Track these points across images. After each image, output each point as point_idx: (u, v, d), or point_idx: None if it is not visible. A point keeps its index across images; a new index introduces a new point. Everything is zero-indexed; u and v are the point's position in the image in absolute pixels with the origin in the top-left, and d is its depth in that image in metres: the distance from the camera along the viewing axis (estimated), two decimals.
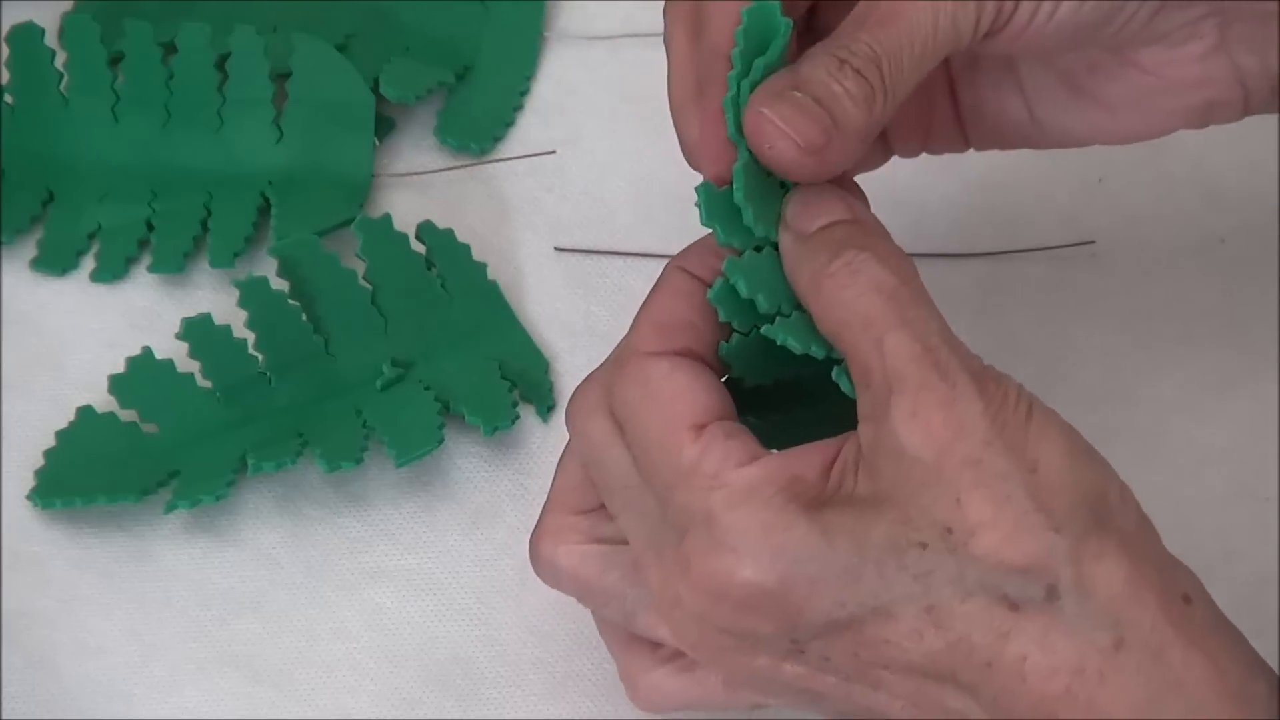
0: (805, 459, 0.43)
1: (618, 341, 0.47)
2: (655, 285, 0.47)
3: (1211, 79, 0.49)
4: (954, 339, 0.43)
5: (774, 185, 0.46)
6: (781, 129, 0.44)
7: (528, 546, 0.49)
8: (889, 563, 0.41)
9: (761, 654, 0.43)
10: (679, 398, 0.44)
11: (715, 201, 0.46)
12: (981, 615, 0.40)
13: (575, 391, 0.47)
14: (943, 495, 0.41)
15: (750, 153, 0.45)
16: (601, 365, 0.47)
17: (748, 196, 0.45)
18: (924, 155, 0.56)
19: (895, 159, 0.55)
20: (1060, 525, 0.40)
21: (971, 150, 0.55)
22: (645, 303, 0.46)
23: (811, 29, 0.50)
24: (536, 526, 0.49)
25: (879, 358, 0.42)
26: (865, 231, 0.45)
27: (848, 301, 0.43)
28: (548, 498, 0.49)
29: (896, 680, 0.42)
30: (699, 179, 0.47)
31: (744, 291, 0.45)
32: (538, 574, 0.49)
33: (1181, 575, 0.42)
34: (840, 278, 0.43)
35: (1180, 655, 0.41)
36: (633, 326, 0.46)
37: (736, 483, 0.42)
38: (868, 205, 0.47)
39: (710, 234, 0.46)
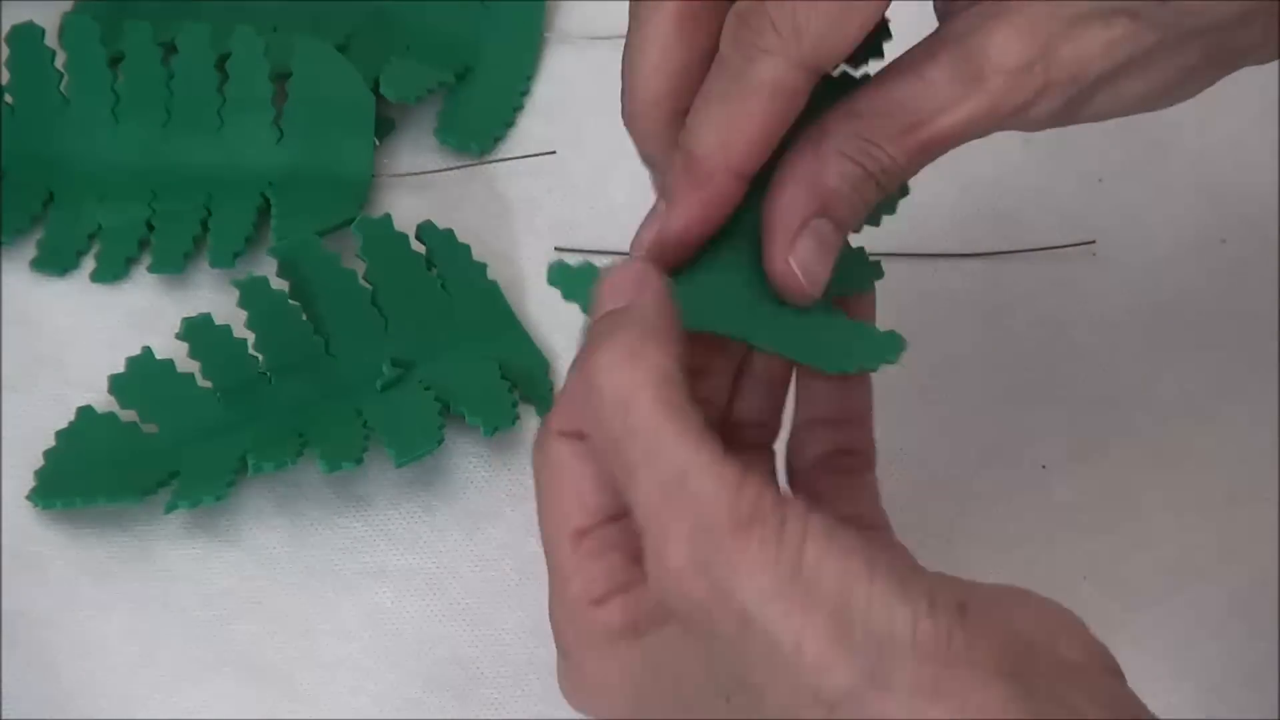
0: (642, 594, 0.42)
1: None
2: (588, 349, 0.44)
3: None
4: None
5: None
6: (800, 283, 0.45)
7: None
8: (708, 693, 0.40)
9: None
10: (565, 493, 0.43)
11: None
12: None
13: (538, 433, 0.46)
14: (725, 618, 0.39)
15: None
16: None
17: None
18: None
19: None
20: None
21: (973, 150, 0.55)
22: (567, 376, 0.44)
23: None
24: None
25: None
26: (613, 325, 0.42)
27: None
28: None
29: None
30: None
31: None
32: None
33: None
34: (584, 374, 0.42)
35: None
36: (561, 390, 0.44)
37: (591, 624, 0.42)
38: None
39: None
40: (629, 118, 0.47)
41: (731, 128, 0.44)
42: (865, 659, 0.36)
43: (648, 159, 0.47)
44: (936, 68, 0.44)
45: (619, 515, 0.42)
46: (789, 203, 0.44)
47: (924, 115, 0.44)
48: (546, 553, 0.43)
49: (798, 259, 0.44)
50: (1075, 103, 0.45)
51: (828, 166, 0.44)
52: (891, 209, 0.48)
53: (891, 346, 0.46)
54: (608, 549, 0.42)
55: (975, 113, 0.44)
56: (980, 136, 0.45)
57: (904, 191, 0.48)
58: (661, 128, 0.46)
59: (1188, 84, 0.46)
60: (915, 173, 0.45)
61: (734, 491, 0.38)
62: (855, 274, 0.48)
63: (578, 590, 0.42)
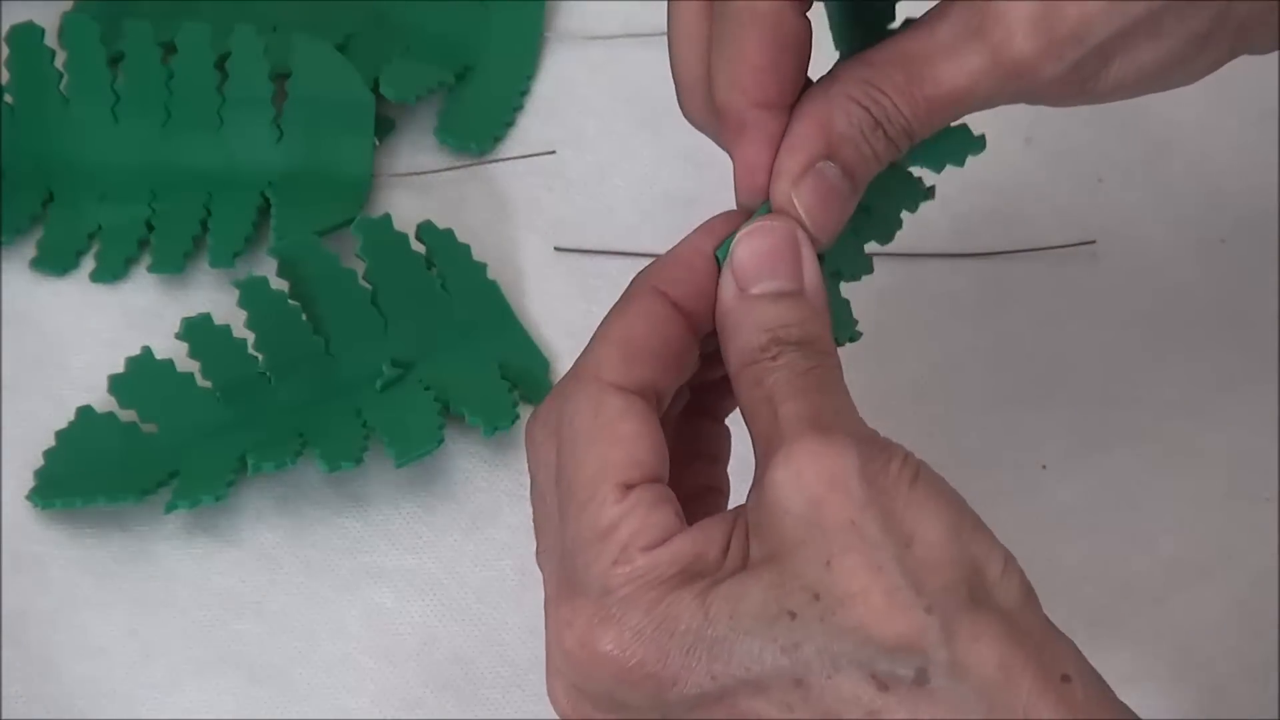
0: (710, 534, 0.42)
1: None
2: (624, 300, 0.45)
3: None
4: (849, 412, 0.42)
5: None
6: (802, 221, 0.45)
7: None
8: (760, 633, 0.39)
9: None
10: (620, 445, 0.42)
11: None
12: (850, 692, 0.39)
13: (537, 408, 0.45)
14: (814, 556, 0.40)
15: None
16: (562, 380, 0.46)
17: None
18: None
19: None
20: (933, 604, 0.39)
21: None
22: (612, 317, 0.44)
23: None
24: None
25: (774, 424, 0.41)
26: (802, 316, 0.43)
27: (759, 384, 0.42)
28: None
29: None
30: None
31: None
32: None
33: (1062, 652, 0.40)
34: (763, 365, 0.43)
35: None
36: (596, 340, 0.44)
37: (640, 565, 0.41)
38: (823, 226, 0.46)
39: (686, 245, 0.45)
40: (683, 110, 0.47)
41: (734, 64, 0.44)
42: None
43: (718, 142, 0.47)
44: (945, 22, 0.45)
45: (660, 479, 0.42)
46: (795, 140, 0.45)
47: (929, 67, 0.45)
48: (569, 499, 0.42)
49: (801, 199, 0.44)
50: (1086, 70, 0.45)
51: (835, 109, 0.45)
52: (914, 206, 0.48)
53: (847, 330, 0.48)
54: (660, 501, 0.42)
55: (978, 68, 0.44)
56: (990, 103, 0.45)
57: (928, 194, 0.48)
58: (708, 108, 0.46)
59: (1199, 57, 0.46)
60: (926, 133, 0.45)
61: (869, 433, 0.42)
62: (836, 326, 0.47)
63: (625, 536, 0.41)
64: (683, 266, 0.45)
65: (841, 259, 0.48)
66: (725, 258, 0.44)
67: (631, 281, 0.45)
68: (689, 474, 0.47)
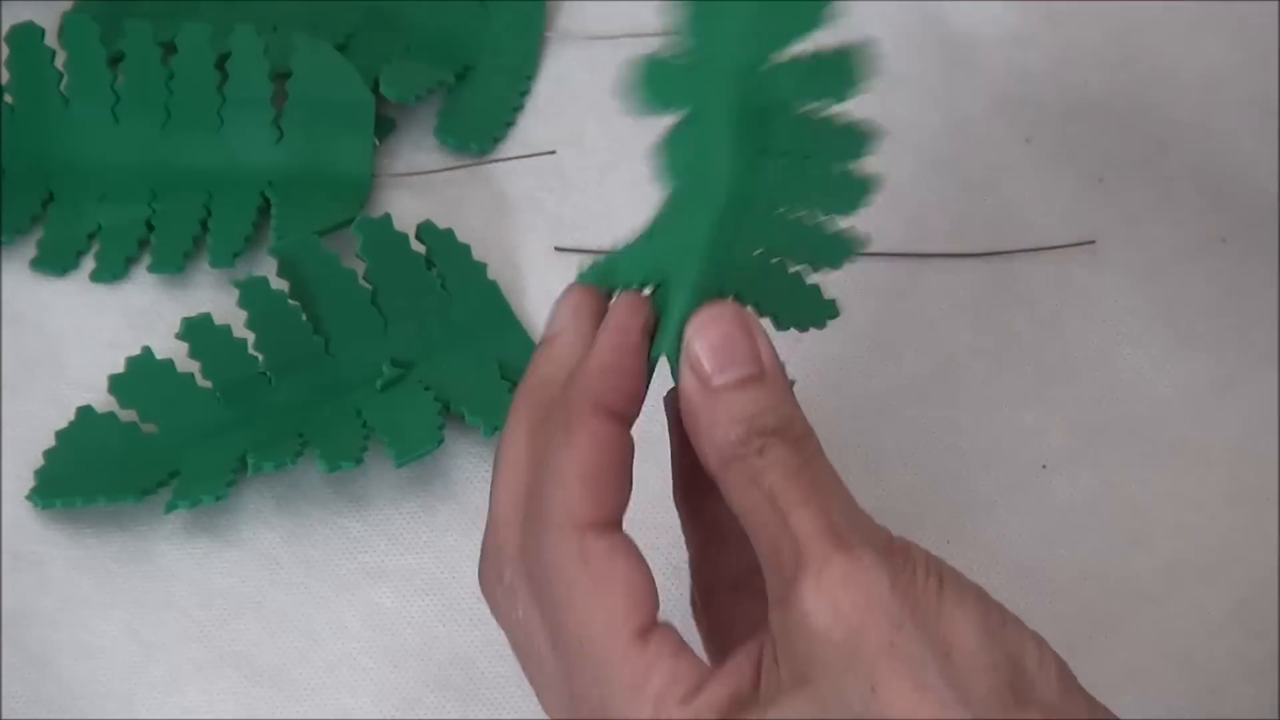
0: (740, 670, 0.41)
1: None
2: (565, 430, 0.42)
3: None
4: (856, 511, 0.41)
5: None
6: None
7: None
8: None
9: None
10: (620, 590, 0.41)
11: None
12: None
13: (482, 567, 0.44)
14: (857, 682, 0.39)
15: None
16: (496, 526, 0.44)
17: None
18: (924, 157, 0.56)
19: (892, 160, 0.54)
20: (980, 713, 0.39)
21: (973, 149, 0.54)
22: (561, 452, 0.42)
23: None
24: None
25: (786, 537, 0.40)
26: (775, 399, 0.42)
27: (755, 484, 0.41)
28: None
29: None
30: None
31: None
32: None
33: None
34: (750, 462, 0.42)
35: None
36: (552, 481, 0.42)
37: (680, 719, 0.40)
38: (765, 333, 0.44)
39: (608, 351, 0.43)
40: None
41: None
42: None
43: None
44: None
45: (657, 609, 0.42)
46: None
47: None
48: (581, 659, 0.41)
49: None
50: None
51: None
52: (838, 263, 0.47)
53: (827, 310, 0.47)
54: (679, 647, 0.41)
55: None
56: None
57: (833, 313, 0.47)
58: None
59: None
60: None
61: (887, 539, 0.41)
62: (811, 311, 0.47)
63: (660, 687, 0.40)
64: (615, 376, 0.43)
65: (800, 240, 0.46)
66: (661, 355, 0.43)
67: (562, 405, 0.43)
68: (724, 561, 0.46)
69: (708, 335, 0.43)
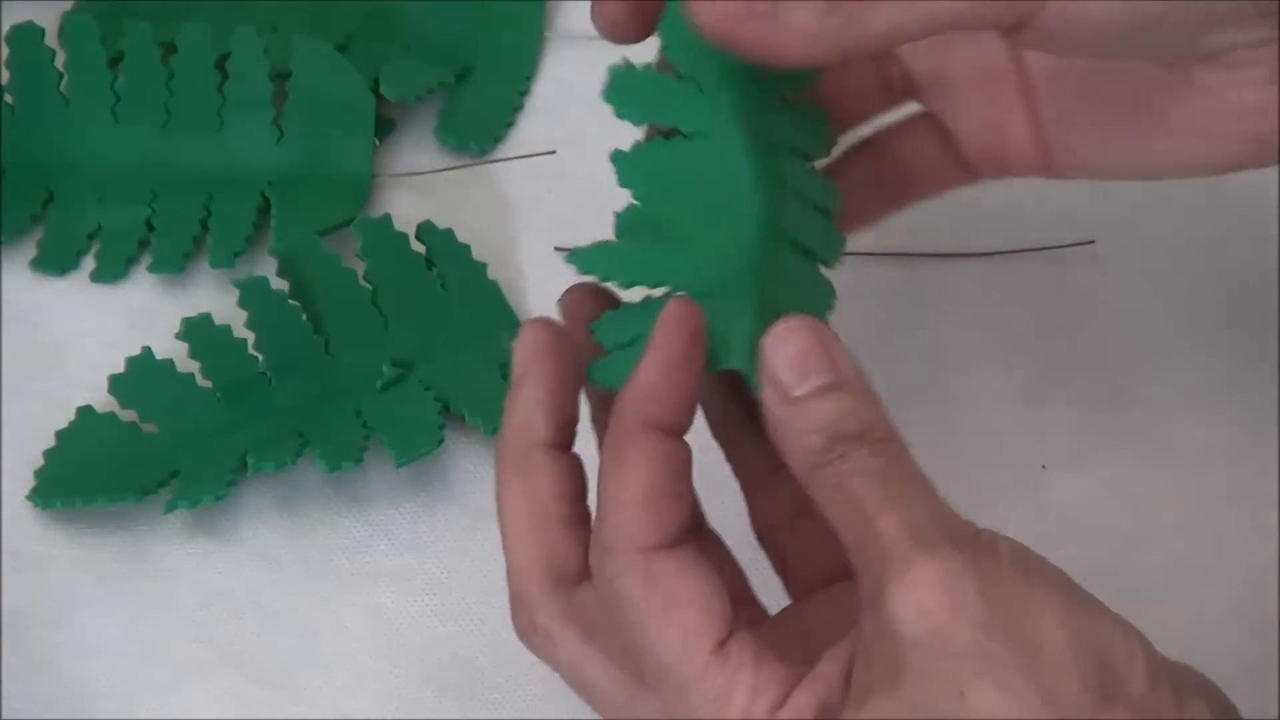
0: (828, 678, 0.41)
1: None
2: (615, 452, 0.42)
3: (1271, 107, 0.46)
4: (942, 509, 0.42)
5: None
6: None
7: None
8: None
9: None
10: (692, 606, 0.41)
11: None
12: None
13: (514, 614, 0.45)
14: (945, 687, 0.39)
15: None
16: (513, 576, 0.45)
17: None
18: None
19: None
20: (1067, 713, 0.39)
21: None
22: (613, 476, 0.42)
23: None
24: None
25: (872, 540, 0.41)
26: (855, 404, 0.43)
27: (839, 490, 0.42)
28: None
29: None
30: None
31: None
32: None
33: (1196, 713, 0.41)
34: (834, 467, 0.42)
35: None
36: (608, 506, 0.42)
37: None
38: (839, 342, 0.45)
39: (654, 369, 0.42)
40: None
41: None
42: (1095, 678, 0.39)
43: None
44: None
45: (734, 617, 0.42)
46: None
47: None
48: (662, 682, 0.42)
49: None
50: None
51: None
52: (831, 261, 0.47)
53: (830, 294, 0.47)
54: (761, 653, 0.41)
55: None
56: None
57: (832, 298, 0.47)
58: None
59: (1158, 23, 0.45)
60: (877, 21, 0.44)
61: (972, 535, 0.41)
62: (812, 295, 0.47)
63: (745, 701, 0.41)
64: (663, 393, 0.43)
65: (809, 235, 0.47)
66: (728, 368, 0.43)
67: (612, 428, 0.43)
68: (776, 497, 0.48)
69: (784, 349, 0.43)
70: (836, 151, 0.50)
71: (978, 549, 0.40)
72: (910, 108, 0.52)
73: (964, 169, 0.52)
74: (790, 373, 0.42)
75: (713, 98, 0.46)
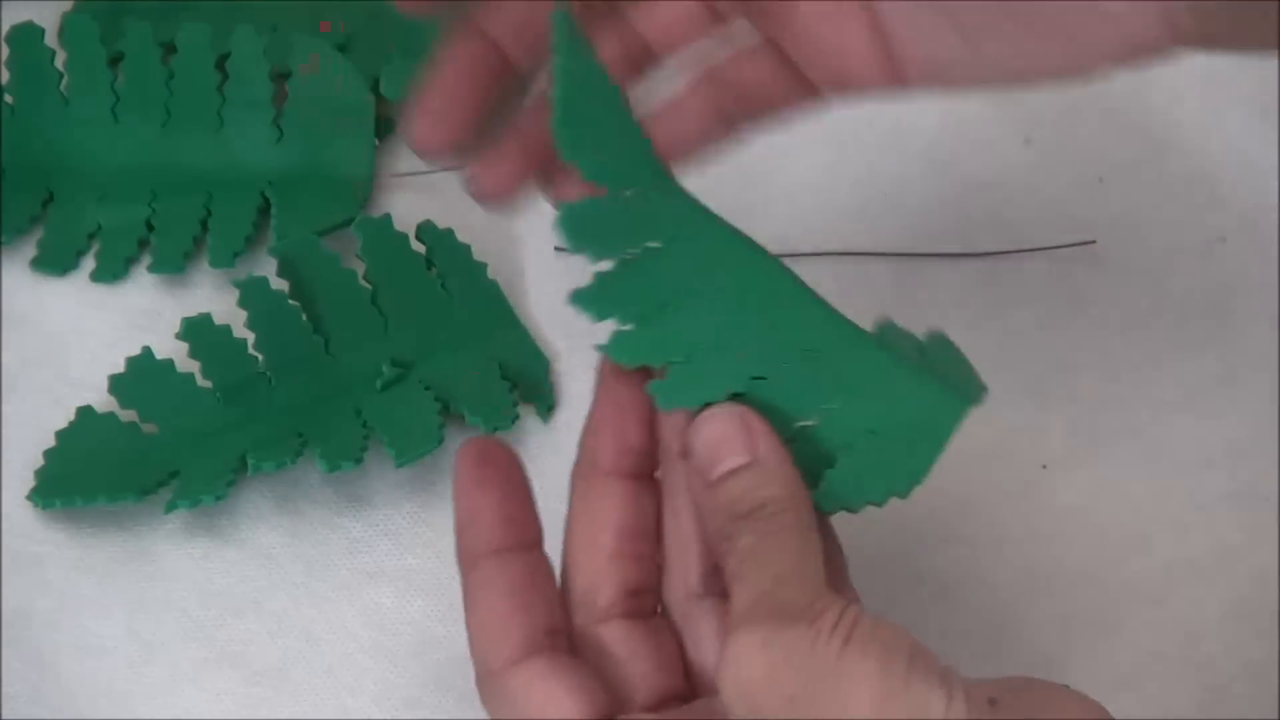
0: None
1: None
2: (464, 584, 0.46)
3: (1138, 11, 0.45)
4: (798, 576, 0.43)
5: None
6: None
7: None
8: None
9: None
10: (553, 713, 0.44)
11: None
12: None
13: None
14: None
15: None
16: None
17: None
18: (924, 157, 0.56)
19: (900, 154, 0.55)
20: None
21: (972, 149, 0.55)
22: (466, 608, 0.46)
23: None
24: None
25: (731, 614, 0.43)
26: (756, 482, 0.44)
27: (725, 570, 0.44)
28: None
29: None
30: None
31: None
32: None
33: None
34: (726, 545, 0.44)
35: None
36: (469, 634, 0.46)
37: None
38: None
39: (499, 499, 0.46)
40: None
41: None
42: None
43: None
44: None
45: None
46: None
47: None
48: None
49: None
50: None
51: None
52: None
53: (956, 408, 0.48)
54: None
55: None
56: None
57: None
58: None
59: None
60: None
61: (804, 593, 0.42)
62: (963, 386, 0.48)
63: None
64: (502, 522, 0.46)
65: (950, 375, 0.48)
66: None
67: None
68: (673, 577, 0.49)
69: (701, 434, 0.45)
70: (674, 81, 0.50)
71: (802, 621, 0.41)
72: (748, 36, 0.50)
73: (806, 88, 0.50)
74: (707, 455, 0.45)
75: (666, 198, 0.46)
